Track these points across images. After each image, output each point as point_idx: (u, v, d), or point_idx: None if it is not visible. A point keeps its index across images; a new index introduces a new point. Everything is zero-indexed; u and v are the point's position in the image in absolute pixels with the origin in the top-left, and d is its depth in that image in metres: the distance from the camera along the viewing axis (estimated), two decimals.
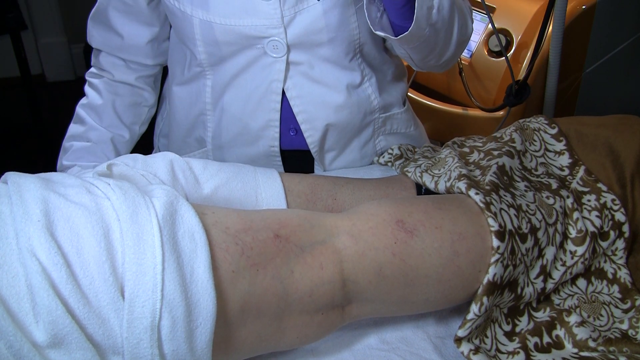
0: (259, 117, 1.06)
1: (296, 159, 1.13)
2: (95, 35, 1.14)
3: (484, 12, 1.54)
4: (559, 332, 0.85)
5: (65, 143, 1.17)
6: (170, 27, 1.11)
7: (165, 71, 1.21)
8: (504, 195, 0.85)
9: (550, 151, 0.99)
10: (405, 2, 0.91)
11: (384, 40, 1.09)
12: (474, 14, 1.52)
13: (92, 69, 1.18)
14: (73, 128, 1.17)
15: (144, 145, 1.26)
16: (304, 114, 1.06)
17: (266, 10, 0.96)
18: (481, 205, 0.82)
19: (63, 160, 1.15)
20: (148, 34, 1.12)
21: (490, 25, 1.52)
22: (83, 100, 1.18)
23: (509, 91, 1.43)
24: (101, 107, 1.16)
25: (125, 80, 1.16)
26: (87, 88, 1.18)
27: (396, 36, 0.95)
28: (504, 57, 1.46)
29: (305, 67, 1.03)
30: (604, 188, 0.94)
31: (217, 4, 0.97)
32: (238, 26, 0.98)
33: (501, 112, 1.50)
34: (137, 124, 1.21)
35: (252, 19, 0.97)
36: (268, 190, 0.93)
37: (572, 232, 0.89)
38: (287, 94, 1.04)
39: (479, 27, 1.53)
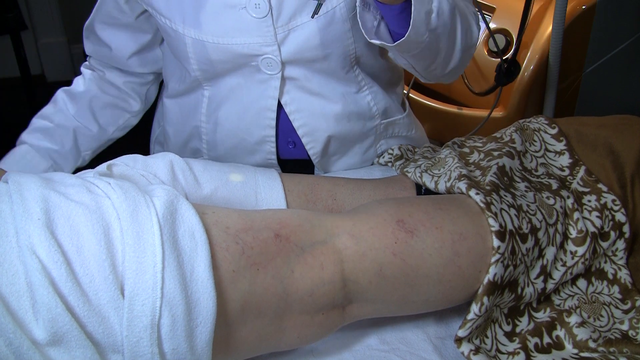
0: (254, 132, 1.05)
1: (296, 165, 1.12)
2: (88, 45, 1.14)
3: (484, 12, 1.54)
4: (559, 332, 0.85)
5: (34, 119, 1.14)
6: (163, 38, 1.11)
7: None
8: (505, 196, 0.85)
9: (550, 151, 0.99)
10: (402, 9, 0.88)
11: (383, 49, 1.06)
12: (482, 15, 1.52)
13: (87, 62, 1.18)
14: (45, 108, 1.15)
15: (141, 149, 1.25)
16: (305, 127, 1.05)
17: (259, 29, 0.94)
18: (481, 205, 0.82)
19: (22, 134, 1.12)
20: (137, 43, 1.11)
21: (490, 25, 1.52)
22: (67, 87, 1.17)
23: (498, 70, 1.42)
24: (79, 95, 1.14)
25: (114, 81, 1.16)
26: (76, 78, 1.17)
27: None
28: (503, 58, 1.46)
29: (302, 81, 1.01)
30: (605, 188, 0.94)
31: (208, 22, 0.95)
32: (231, 45, 0.96)
33: (501, 113, 1.50)
34: (112, 126, 1.18)
35: (245, 38, 0.95)
36: (268, 190, 0.92)
37: (573, 233, 0.89)
38: (286, 109, 1.03)
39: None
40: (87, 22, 1.11)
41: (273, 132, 1.05)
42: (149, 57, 1.14)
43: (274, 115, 1.03)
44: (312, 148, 1.07)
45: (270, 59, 0.97)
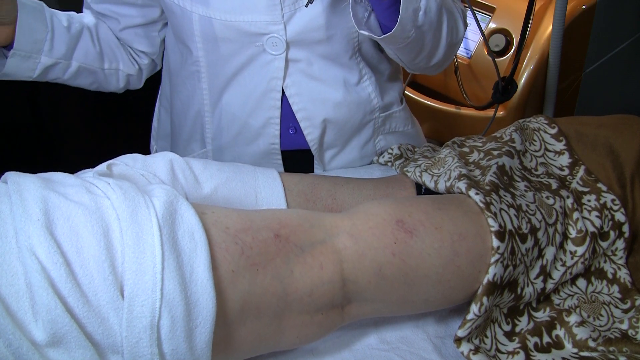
0: (259, 115, 1.06)
1: (296, 158, 1.13)
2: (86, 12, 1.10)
3: (485, 12, 1.54)
4: (559, 332, 0.85)
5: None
6: (166, 25, 1.11)
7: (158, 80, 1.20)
8: (504, 196, 0.85)
9: (550, 151, 0.99)
10: (391, 4, 0.91)
11: None
12: (474, 13, 1.52)
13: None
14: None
15: (142, 146, 1.25)
16: (303, 112, 1.06)
17: (266, 7, 0.97)
18: (481, 205, 0.82)
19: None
20: (142, 18, 1.09)
21: (490, 25, 1.52)
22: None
23: (495, 88, 1.44)
24: (87, 19, 1.08)
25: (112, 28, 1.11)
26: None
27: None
28: (503, 57, 1.46)
29: (304, 65, 1.03)
30: (604, 188, 0.94)
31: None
32: (238, 22, 0.98)
33: (501, 113, 1.50)
34: (108, 60, 1.10)
35: (252, 15, 0.97)
36: (268, 189, 0.93)
37: (572, 232, 0.89)
38: (287, 92, 1.04)
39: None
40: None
41: (278, 112, 1.06)
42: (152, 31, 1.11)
43: (279, 95, 1.04)
44: (310, 134, 1.08)
45: (275, 38, 0.99)
